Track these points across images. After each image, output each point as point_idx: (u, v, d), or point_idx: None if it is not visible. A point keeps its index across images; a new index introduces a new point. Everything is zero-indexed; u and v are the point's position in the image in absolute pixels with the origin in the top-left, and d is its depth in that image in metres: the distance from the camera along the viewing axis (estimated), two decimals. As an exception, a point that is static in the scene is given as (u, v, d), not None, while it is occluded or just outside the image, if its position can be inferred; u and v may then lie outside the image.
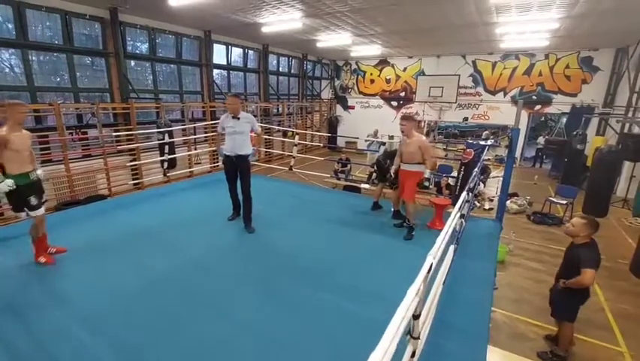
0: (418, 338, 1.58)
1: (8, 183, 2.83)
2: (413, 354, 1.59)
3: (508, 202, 7.85)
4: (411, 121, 3.88)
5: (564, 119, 12.24)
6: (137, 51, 8.72)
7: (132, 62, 8.61)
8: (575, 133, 9.54)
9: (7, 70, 6.66)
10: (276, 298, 2.76)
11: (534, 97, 12.60)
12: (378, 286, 2.96)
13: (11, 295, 2.67)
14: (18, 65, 6.67)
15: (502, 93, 13.22)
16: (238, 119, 3.87)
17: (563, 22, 7.59)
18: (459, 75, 13.40)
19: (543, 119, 16.19)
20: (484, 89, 13.49)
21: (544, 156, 13.25)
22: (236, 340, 2.27)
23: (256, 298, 2.77)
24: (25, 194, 2.94)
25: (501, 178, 4.73)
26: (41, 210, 3.06)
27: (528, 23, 7.64)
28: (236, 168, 4.00)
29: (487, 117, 13.71)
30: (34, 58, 6.82)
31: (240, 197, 4.07)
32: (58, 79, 7.41)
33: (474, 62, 13.44)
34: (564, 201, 7.64)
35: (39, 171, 3.14)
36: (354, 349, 2.14)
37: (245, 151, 3.93)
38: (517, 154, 12.94)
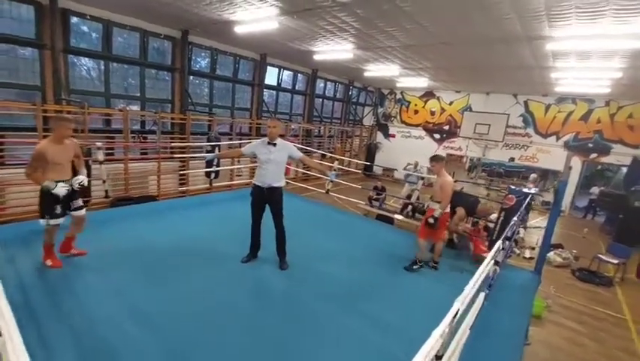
0: None
1: (62, 185, 3.01)
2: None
3: (551, 254, 7.37)
4: (439, 162, 4.01)
5: (623, 171, 11.37)
6: (198, 66, 9.55)
7: (191, 77, 9.42)
8: (633, 189, 8.82)
9: (88, 76, 7.61)
10: (301, 317, 2.85)
11: (590, 145, 11.88)
12: (404, 320, 2.96)
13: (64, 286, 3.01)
14: (97, 72, 7.59)
15: (554, 137, 12.60)
16: (274, 145, 3.51)
17: (627, 72, 7.24)
18: (508, 114, 13.00)
19: (599, 168, 15.11)
20: (534, 130, 12.96)
21: (597, 208, 12.29)
22: (259, 354, 2.38)
23: (280, 314, 2.88)
24: (52, 200, 3.01)
25: (544, 228, 4.53)
26: (59, 220, 3.10)
27: (587, 70, 7.38)
28: (266, 201, 3.58)
29: (535, 160, 13.08)
30: (114, 65, 7.72)
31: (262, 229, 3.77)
32: (127, 85, 8.30)
33: (526, 103, 13.03)
34: (616, 261, 7.02)
35: (81, 177, 3.21)
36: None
37: (278, 183, 3.57)
38: (567, 202, 12.13)
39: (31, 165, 2.94)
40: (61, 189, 2.98)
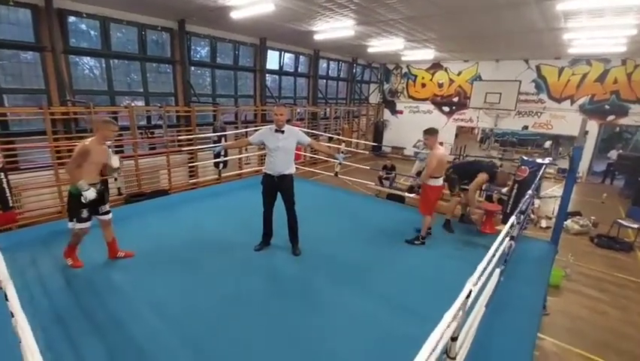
0: (455, 358, 1.62)
1: (95, 189, 3.04)
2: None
3: (568, 222, 7.24)
4: (434, 135, 3.95)
5: (643, 132, 10.93)
6: (198, 56, 9.44)
7: (192, 67, 9.33)
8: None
9: (91, 75, 7.63)
10: (315, 302, 2.89)
11: (607, 106, 11.40)
12: (416, 300, 2.98)
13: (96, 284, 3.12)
14: (99, 70, 7.60)
15: (568, 101, 12.14)
16: (282, 132, 3.48)
17: (645, 27, 6.82)
18: (520, 81, 12.54)
19: (617, 130, 14.57)
20: (548, 96, 12.50)
21: (615, 172, 11.93)
22: (274, 340, 2.44)
23: (294, 297, 2.94)
24: (81, 204, 3.03)
25: (559, 197, 4.42)
26: (86, 225, 3.12)
27: (601, 29, 6.97)
28: (278, 189, 3.60)
29: (550, 126, 12.67)
30: (115, 62, 7.71)
31: (274, 218, 3.80)
32: (130, 81, 8.30)
33: (538, 67, 12.50)
34: (636, 225, 6.86)
35: (115, 163, 3.28)
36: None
37: (289, 170, 3.56)
38: (584, 168, 11.79)
39: (75, 160, 2.93)
40: (91, 193, 2.99)
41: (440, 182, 4.09)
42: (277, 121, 3.47)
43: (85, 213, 3.06)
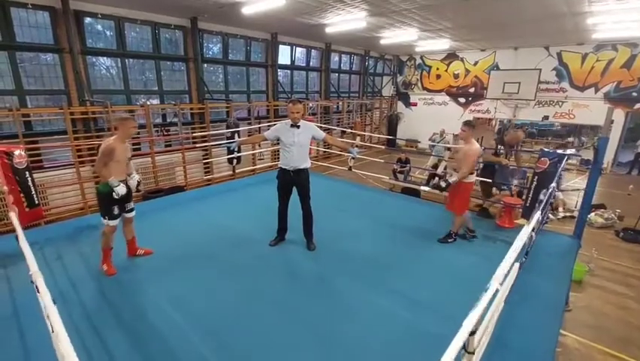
0: (473, 353, 1.59)
1: (124, 185, 3.10)
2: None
3: (591, 215, 6.98)
4: (470, 127, 3.76)
5: (673, 120, 10.38)
6: (210, 53, 9.50)
7: (205, 65, 9.41)
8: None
9: (108, 75, 7.79)
10: (331, 297, 2.89)
11: (634, 94, 10.87)
12: (433, 295, 2.93)
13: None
14: (116, 70, 7.75)
15: (592, 89, 11.63)
16: (298, 127, 3.49)
17: (677, 8, 6.42)
18: (540, 69, 12.07)
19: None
20: (570, 84, 12.01)
21: (643, 162, 11.40)
22: (293, 334, 2.46)
23: (311, 295, 2.94)
24: (112, 202, 3.09)
25: (582, 189, 4.25)
26: (117, 222, 3.17)
27: (628, 12, 6.61)
28: (293, 183, 3.63)
29: (572, 116, 12.19)
30: (130, 61, 7.86)
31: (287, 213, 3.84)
32: (145, 79, 8.44)
33: (559, 54, 12.01)
34: (666, 218, 6.54)
35: (135, 176, 3.33)
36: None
37: (305, 164, 3.59)
38: (609, 159, 11.32)
39: (101, 160, 2.99)
40: (122, 189, 3.05)
41: (473, 177, 3.95)
42: (294, 119, 3.49)
43: (116, 210, 3.14)
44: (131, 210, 3.37)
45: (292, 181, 3.61)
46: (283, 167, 3.60)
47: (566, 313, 3.92)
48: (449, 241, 3.95)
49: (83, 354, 2.19)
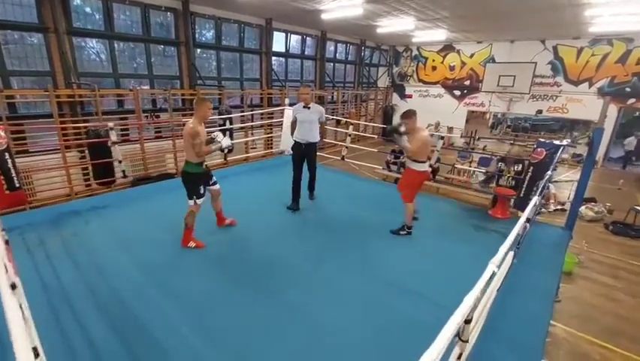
0: (467, 341, 1.56)
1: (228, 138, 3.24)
2: (459, 356, 1.57)
3: (582, 208, 7.03)
4: (411, 117, 3.56)
5: (665, 116, 10.48)
6: (203, 39, 9.25)
7: (198, 50, 9.17)
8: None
9: (97, 59, 7.54)
10: (327, 290, 2.83)
11: (628, 89, 10.92)
12: (427, 284, 2.90)
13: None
14: (104, 53, 7.50)
15: (586, 84, 11.66)
16: (309, 108, 4.20)
17: (674, 1, 6.39)
18: (535, 63, 12.07)
19: (638, 114, 14.01)
20: (564, 78, 12.02)
21: (633, 158, 11.54)
22: (283, 321, 2.40)
23: (306, 282, 2.89)
24: (199, 182, 3.22)
25: (575, 182, 4.25)
26: (203, 200, 3.27)
27: (627, 4, 6.56)
28: (305, 154, 4.35)
29: (565, 110, 12.25)
30: (120, 45, 7.60)
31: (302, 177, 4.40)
32: (136, 65, 8.20)
33: (555, 48, 11.99)
34: (654, 212, 6.62)
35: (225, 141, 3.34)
36: (401, 347, 2.16)
37: (314, 138, 4.31)
38: (601, 153, 11.42)
39: (193, 143, 3.03)
40: (227, 141, 3.28)
41: (426, 167, 3.71)
42: (305, 100, 4.22)
43: (202, 190, 3.26)
44: (215, 182, 3.52)
45: (303, 153, 4.34)
46: (297, 140, 4.33)
47: (555, 304, 3.95)
48: (401, 233, 3.79)
49: (61, 340, 2.12)
